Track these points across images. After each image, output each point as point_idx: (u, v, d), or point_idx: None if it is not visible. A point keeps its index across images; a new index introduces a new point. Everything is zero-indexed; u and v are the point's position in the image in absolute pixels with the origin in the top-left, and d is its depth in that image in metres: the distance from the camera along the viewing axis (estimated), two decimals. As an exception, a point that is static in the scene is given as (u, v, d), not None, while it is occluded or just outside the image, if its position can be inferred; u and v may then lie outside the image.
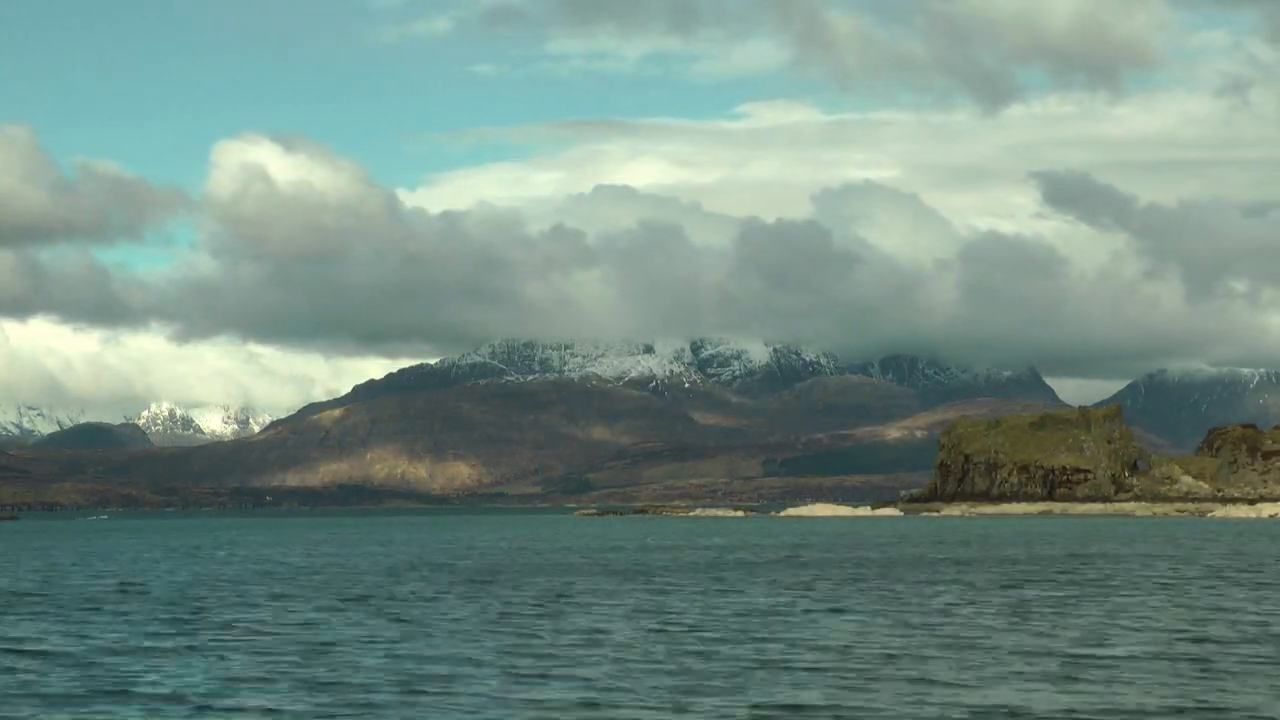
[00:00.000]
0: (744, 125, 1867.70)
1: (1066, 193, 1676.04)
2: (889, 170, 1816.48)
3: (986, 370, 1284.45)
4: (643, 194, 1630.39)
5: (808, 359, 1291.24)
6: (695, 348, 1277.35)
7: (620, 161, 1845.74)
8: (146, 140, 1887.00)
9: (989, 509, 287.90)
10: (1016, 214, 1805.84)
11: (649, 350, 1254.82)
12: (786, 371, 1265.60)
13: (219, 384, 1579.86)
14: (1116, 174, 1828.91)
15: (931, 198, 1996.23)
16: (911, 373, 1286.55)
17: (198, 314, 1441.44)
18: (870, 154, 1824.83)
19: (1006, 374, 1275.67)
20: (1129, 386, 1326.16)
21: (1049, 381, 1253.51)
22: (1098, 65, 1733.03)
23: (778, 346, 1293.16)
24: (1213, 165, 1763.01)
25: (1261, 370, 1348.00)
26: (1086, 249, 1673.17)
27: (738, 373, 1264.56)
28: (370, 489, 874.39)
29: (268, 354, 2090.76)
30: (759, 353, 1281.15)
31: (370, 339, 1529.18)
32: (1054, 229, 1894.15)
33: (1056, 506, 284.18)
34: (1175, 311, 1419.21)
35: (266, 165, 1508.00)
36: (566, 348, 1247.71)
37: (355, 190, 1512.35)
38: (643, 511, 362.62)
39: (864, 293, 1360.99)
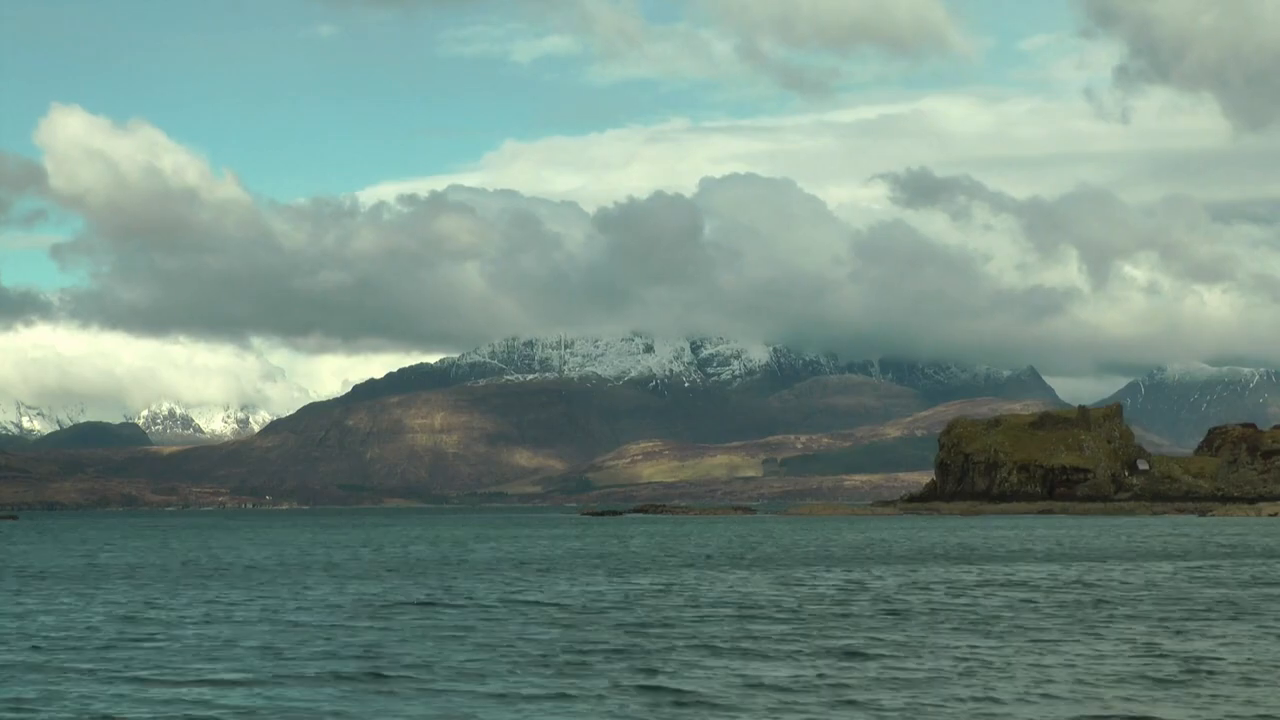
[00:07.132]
0: (622, 132, 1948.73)
1: (918, 189, 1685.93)
2: (751, 169, 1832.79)
3: (986, 370, 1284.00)
4: (525, 196, 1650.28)
5: (808, 358, 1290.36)
6: (695, 347, 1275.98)
7: (505, 165, 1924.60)
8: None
9: (989, 508, 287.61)
10: (875, 209, 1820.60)
11: (649, 349, 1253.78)
12: (786, 371, 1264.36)
13: (135, 384, 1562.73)
14: (961, 170, 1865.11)
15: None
16: (911, 372, 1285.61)
17: (85, 307, 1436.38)
18: (722, 155, 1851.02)
19: (1006, 373, 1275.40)
20: (1129, 386, 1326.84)
21: (1049, 381, 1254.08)
22: (908, 58, 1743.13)
23: (777, 346, 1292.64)
24: (1064, 161, 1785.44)
25: (1261, 370, 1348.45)
26: (983, 242, 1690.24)
27: (738, 372, 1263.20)
28: (370, 488, 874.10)
29: (178, 348, 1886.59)
30: (759, 352, 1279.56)
31: (287, 332, 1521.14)
32: (924, 222, 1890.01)
33: (1056, 506, 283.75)
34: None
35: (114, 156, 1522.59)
36: (567, 347, 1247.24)
37: (217, 187, 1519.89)
38: (643, 510, 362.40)
39: (754, 283, 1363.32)
